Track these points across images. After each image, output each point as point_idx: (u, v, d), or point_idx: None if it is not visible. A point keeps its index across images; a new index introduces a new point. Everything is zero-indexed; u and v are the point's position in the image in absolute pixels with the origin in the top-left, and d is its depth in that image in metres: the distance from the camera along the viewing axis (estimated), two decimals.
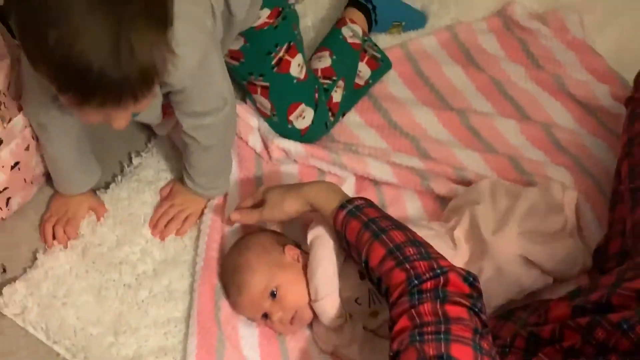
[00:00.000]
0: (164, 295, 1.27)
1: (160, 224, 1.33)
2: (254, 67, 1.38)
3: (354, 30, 1.52)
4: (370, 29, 1.59)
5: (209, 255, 1.29)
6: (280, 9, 1.36)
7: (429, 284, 0.96)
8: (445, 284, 0.96)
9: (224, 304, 1.23)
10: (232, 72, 1.29)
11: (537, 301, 1.17)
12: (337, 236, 1.13)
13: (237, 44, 1.37)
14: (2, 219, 1.31)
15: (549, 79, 1.55)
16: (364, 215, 1.08)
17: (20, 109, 1.22)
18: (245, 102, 1.46)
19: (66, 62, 0.89)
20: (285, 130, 1.41)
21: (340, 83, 1.47)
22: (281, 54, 1.37)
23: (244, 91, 1.46)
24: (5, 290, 1.24)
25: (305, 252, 1.21)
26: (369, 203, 1.12)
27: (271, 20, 1.36)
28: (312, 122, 1.41)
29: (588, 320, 0.95)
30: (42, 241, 1.32)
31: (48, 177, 1.36)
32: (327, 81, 1.46)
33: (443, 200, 1.37)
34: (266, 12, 1.34)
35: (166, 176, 1.41)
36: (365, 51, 1.54)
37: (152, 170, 1.41)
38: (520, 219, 1.20)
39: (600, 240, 1.24)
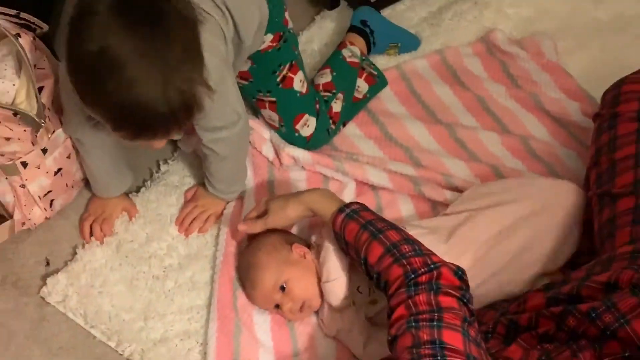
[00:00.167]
0: (187, 285, 1.30)
1: (185, 223, 1.37)
2: (261, 85, 1.42)
3: (352, 51, 1.57)
4: (369, 50, 1.62)
5: (227, 251, 1.33)
6: (282, 34, 1.40)
7: (424, 278, 0.98)
8: (438, 277, 0.98)
9: (241, 294, 1.27)
10: (243, 91, 1.30)
11: None
12: (335, 237, 1.15)
13: (245, 66, 1.41)
14: (47, 218, 1.35)
15: (526, 97, 1.58)
16: (361, 218, 1.10)
17: (62, 122, 1.26)
18: (258, 118, 1.50)
19: (122, 106, 0.93)
20: (293, 139, 1.45)
21: (340, 95, 1.50)
22: (285, 72, 1.41)
23: (254, 109, 1.49)
24: (49, 281, 1.29)
25: (313, 246, 1.24)
26: (364, 207, 1.13)
27: (274, 44, 1.39)
28: (315, 129, 1.45)
29: (561, 309, 0.98)
30: (81, 238, 1.36)
31: (86, 182, 1.40)
32: (328, 94, 1.50)
33: (433, 204, 1.40)
34: (269, 37, 1.38)
35: (190, 181, 1.45)
36: (364, 69, 1.58)
37: (177, 176, 1.45)
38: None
39: None
